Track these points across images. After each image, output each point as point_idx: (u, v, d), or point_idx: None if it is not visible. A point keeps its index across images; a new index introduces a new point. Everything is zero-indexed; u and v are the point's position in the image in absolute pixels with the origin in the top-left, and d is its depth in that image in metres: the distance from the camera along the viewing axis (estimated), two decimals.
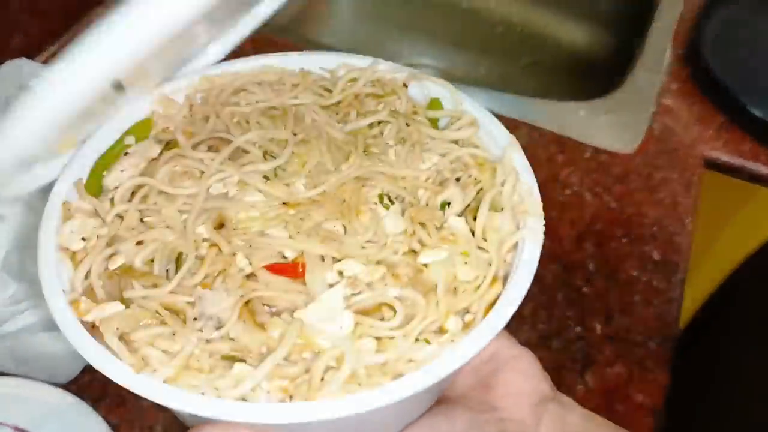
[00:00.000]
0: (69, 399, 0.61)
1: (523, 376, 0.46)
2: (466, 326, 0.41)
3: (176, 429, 0.69)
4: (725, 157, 0.90)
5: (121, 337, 0.40)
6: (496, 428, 0.44)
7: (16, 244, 0.69)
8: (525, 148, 0.52)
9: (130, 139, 0.51)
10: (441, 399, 0.47)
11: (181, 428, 0.70)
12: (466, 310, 0.43)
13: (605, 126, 0.91)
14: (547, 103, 0.95)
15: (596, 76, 1.11)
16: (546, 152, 0.89)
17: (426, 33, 1.19)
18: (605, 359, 0.73)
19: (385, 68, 0.56)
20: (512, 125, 0.53)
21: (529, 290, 0.43)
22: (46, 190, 0.71)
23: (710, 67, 0.95)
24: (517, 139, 0.52)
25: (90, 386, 0.69)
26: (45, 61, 0.89)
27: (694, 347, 0.81)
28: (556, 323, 0.75)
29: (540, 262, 0.45)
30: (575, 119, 0.92)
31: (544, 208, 0.48)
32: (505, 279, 0.44)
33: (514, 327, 0.44)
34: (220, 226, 0.44)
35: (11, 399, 0.61)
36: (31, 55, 0.78)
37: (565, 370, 0.72)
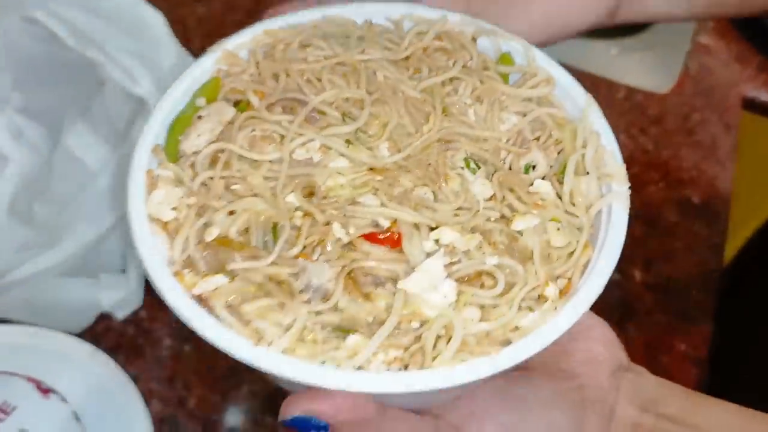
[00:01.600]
0: (86, 348, 0.57)
1: (601, 343, 0.48)
2: (562, 293, 0.42)
3: (196, 382, 0.67)
4: (765, 97, 0.86)
5: (230, 309, 0.40)
6: (578, 395, 0.45)
7: (24, 187, 0.65)
8: None
9: (201, 101, 0.50)
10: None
11: (202, 381, 0.67)
12: (559, 276, 0.43)
13: (639, 65, 0.87)
14: (577, 41, 0.90)
15: None
16: None
17: None
18: (645, 308, 0.70)
19: (454, 20, 0.55)
20: None
21: None
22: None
23: None
24: None
25: (105, 336, 0.64)
26: None
27: (736, 294, 0.78)
28: None
29: None
30: (607, 58, 0.88)
31: None
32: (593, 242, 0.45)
33: None
34: (309, 194, 0.44)
35: (24, 348, 0.57)
36: None
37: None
